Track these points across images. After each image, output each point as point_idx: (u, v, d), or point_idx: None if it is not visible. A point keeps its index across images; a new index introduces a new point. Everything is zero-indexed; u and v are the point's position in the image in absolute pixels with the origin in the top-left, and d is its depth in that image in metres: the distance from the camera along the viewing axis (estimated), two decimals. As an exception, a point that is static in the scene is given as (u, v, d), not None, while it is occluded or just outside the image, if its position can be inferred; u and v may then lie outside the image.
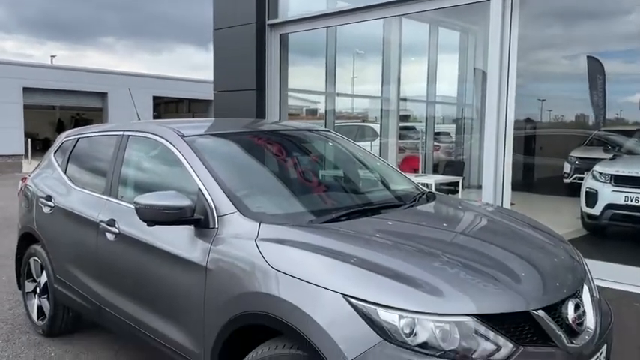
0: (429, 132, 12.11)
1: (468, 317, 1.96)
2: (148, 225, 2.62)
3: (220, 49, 8.19)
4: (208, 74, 8.76)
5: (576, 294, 2.32)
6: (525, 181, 10.92)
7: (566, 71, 10.89)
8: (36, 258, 3.98)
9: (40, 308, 4.01)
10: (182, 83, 27.98)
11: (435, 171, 11.15)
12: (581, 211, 7.27)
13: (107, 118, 24.97)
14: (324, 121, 9.62)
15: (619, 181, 6.83)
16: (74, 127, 4.05)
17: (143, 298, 2.93)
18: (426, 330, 1.95)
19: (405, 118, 12.78)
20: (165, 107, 32.35)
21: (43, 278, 3.92)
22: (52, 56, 34.75)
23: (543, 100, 11.89)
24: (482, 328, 1.96)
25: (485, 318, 1.98)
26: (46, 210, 3.82)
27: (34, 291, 4.08)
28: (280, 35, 8.06)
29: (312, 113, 13.63)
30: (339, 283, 2.07)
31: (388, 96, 10.64)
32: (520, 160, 10.93)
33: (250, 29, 7.98)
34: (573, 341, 2.16)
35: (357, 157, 3.82)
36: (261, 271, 2.27)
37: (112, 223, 3.13)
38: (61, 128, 30.08)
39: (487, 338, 1.96)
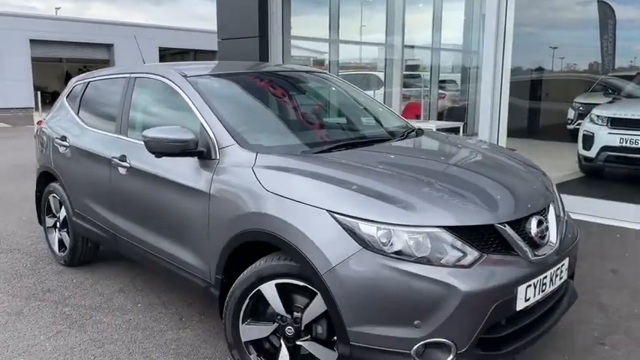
0: (433, 80, 12.19)
1: (437, 229, 2.24)
2: (156, 156, 2.89)
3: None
4: (212, 25, 8.86)
5: (541, 213, 2.57)
6: (531, 127, 11.06)
7: (580, 18, 10.79)
8: (55, 195, 4.29)
9: (60, 241, 4.35)
10: (187, 34, 27.85)
11: (440, 118, 11.31)
12: (578, 153, 7.47)
13: (114, 70, 24.98)
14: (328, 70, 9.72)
15: (615, 123, 6.99)
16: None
17: (154, 225, 3.23)
18: (401, 240, 2.22)
19: (411, 67, 12.80)
20: (172, 59, 32.25)
21: (62, 213, 4.24)
22: (56, 8, 34.49)
23: (555, 48, 11.86)
24: (450, 238, 2.24)
25: (453, 230, 2.25)
26: (61, 150, 4.10)
27: (54, 226, 4.41)
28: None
29: (320, 64, 13.68)
30: (325, 201, 2.34)
31: (392, 43, 10.68)
32: (526, 107, 11.05)
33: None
34: (536, 253, 2.43)
35: (352, 97, 4.04)
36: (257, 194, 2.55)
37: (123, 158, 3.40)
38: (68, 81, 30.27)
39: (455, 247, 2.24)
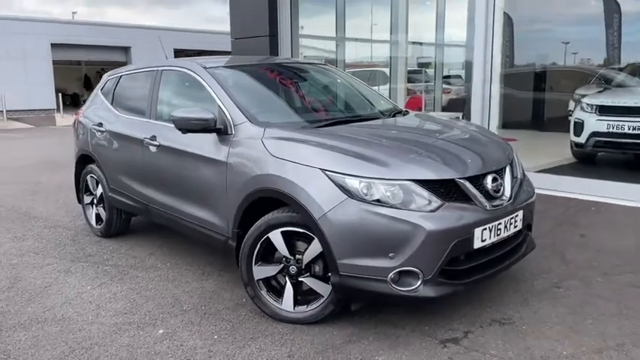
0: (437, 75, 12.71)
1: (408, 182, 2.82)
2: (182, 132, 3.50)
3: (236, 9, 8.82)
4: (225, 26, 9.46)
5: (498, 172, 3.14)
6: (535, 119, 11.51)
7: (591, 13, 11.11)
8: (92, 175, 4.94)
9: (97, 215, 4.99)
10: (202, 35, 28.57)
11: (444, 110, 11.83)
12: (570, 140, 7.97)
13: (131, 72, 25.75)
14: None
15: (603, 110, 7.51)
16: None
17: (181, 193, 3.85)
18: (379, 191, 2.81)
19: (423, 64, 13.29)
20: (186, 60, 33.02)
21: (99, 191, 4.88)
22: (73, 12, 35.55)
23: (567, 43, 12.23)
24: (418, 189, 2.82)
25: (421, 182, 2.84)
26: (98, 135, 4.75)
27: (92, 202, 5.06)
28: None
29: (332, 63, 14.14)
30: (319, 162, 2.95)
31: (397, 41, 11.20)
32: (530, 99, 11.50)
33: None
34: (491, 203, 3.01)
35: (349, 84, 4.64)
36: (265, 159, 3.16)
37: (153, 138, 4.03)
38: (87, 83, 31.17)
39: (422, 196, 2.82)
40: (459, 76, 13.89)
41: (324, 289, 3.07)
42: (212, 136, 3.53)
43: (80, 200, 5.27)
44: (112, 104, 4.81)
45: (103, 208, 4.87)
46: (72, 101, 29.60)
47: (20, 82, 22.58)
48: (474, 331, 3.01)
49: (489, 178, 3.06)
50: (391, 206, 2.79)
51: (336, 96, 4.49)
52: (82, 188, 5.17)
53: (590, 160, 7.84)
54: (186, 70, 3.99)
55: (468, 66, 13.11)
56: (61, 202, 6.39)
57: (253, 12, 8.55)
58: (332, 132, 3.36)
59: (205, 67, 3.87)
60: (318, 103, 4.27)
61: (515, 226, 3.18)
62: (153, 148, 4.04)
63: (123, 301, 3.59)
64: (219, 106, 3.55)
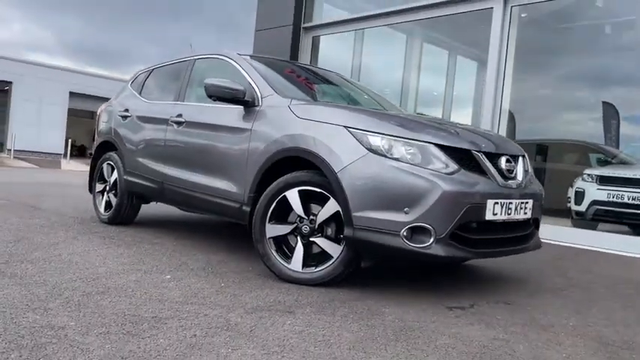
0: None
1: (428, 144, 2.96)
2: (213, 100, 3.67)
3: (260, 49, 9.37)
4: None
5: (511, 157, 3.29)
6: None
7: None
8: (109, 162, 5.05)
9: (107, 203, 5.05)
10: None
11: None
12: (570, 209, 8.15)
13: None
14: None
15: (603, 180, 7.77)
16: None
17: (200, 165, 3.96)
18: (399, 151, 2.94)
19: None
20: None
21: (113, 177, 4.97)
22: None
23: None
24: (437, 152, 2.95)
25: (440, 147, 2.97)
26: (123, 120, 4.92)
27: (103, 190, 5.13)
28: (312, 37, 9.27)
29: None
30: (342, 120, 3.10)
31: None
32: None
33: (287, 31, 9.21)
34: (504, 182, 3.13)
35: (359, 88, 4.92)
36: (291, 121, 3.31)
37: (179, 116, 4.21)
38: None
39: (440, 159, 2.95)
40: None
41: (334, 249, 3.11)
42: (238, 110, 3.70)
43: (91, 189, 5.34)
44: (140, 94, 5.02)
45: (114, 195, 4.94)
46: (78, 152, 30.09)
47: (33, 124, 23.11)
48: (480, 305, 3.02)
49: (503, 159, 3.20)
50: (410, 164, 2.91)
51: (348, 95, 4.71)
52: (95, 176, 5.26)
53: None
54: (221, 57, 4.24)
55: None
56: (66, 202, 6.45)
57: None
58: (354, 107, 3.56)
59: (239, 54, 4.14)
60: (339, 98, 4.50)
61: (525, 212, 3.27)
62: (177, 126, 4.20)
63: (130, 258, 3.60)
64: (250, 82, 3.75)
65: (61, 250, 3.67)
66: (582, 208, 7.95)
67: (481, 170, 3.06)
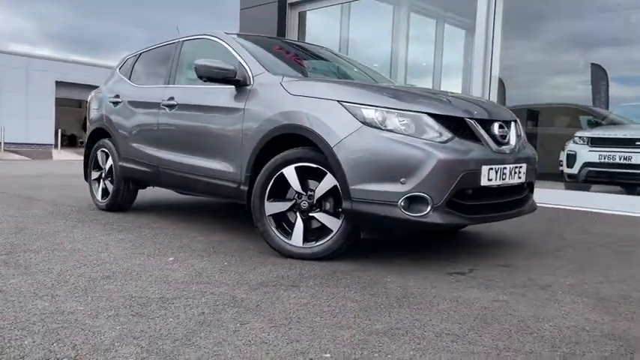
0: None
1: (420, 113, 2.98)
2: (204, 80, 3.66)
3: (246, 27, 9.29)
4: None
5: (504, 122, 3.32)
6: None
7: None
8: (103, 149, 5.05)
9: (104, 190, 5.06)
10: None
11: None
12: (562, 172, 8.22)
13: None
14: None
15: (594, 142, 7.83)
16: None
17: (194, 147, 3.97)
18: (393, 122, 2.96)
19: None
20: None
21: (108, 164, 4.97)
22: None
23: None
24: (431, 122, 2.98)
25: (432, 116, 3.00)
26: (114, 106, 4.91)
27: (99, 177, 5.14)
28: (299, 13, 9.19)
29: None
30: (335, 95, 3.12)
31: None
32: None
33: (273, 7, 9.13)
34: (499, 148, 3.17)
35: (348, 62, 4.91)
36: (284, 98, 3.32)
37: (171, 99, 4.20)
38: (85, 125, 31.61)
39: (433, 128, 2.98)
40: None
41: (334, 223, 3.15)
42: (230, 90, 3.69)
43: (87, 177, 5.35)
44: (129, 79, 5.00)
45: (111, 181, 4.95)
46: (69, 141, 29.88)
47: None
48: (479, 269, 3.08)
49: (496, 125, 3.23)
50: (404, 134, 2.93)
51: (338, 69, 4.70)
52: (90, 164, 5.26)
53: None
54: (209, 37, 4.22)
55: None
56: (63, 192, 6.45)
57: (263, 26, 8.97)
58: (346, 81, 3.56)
59: (228, 33, 4.12)
60: (321, 72, 4.50)
61: (519, 177, 3.32)
62: (169, 109, 4.19)
63: (131, 242, 3.63)
64: (240, 62, 3.74)
65: (62, 238, 3.69)
66: (574, 170, 8.02)
67: (474, 137, 3.10)
